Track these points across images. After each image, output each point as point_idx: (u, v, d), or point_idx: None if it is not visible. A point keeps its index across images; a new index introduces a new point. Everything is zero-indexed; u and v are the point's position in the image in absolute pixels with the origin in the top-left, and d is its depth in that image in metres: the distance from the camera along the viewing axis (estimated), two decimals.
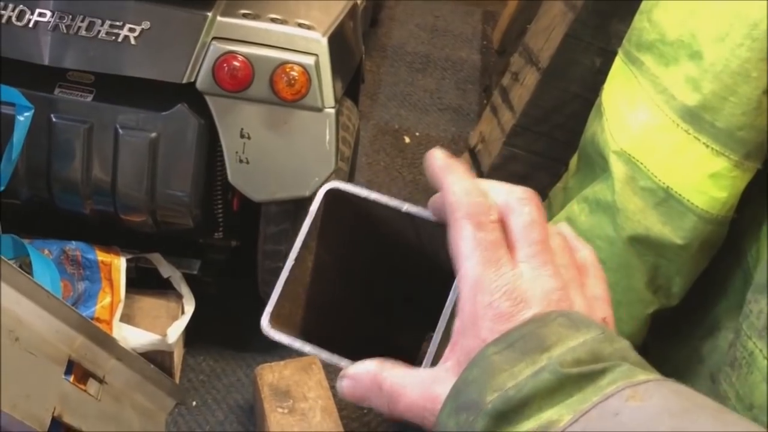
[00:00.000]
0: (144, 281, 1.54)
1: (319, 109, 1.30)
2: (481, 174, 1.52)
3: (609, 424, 0.28)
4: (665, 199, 0.96)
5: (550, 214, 1.48)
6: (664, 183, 0.96)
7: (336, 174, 1.42)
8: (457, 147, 2.53)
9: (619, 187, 1.00)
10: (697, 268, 1.03)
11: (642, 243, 1.00)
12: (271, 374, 1.45)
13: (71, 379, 1.30)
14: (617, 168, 1.01)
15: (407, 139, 2.54)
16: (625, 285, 1.04)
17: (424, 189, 2.31)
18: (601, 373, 0.30)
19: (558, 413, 0.29)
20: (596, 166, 1.15)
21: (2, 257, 1.21)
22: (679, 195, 0.95)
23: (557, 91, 1.38)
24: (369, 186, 1.79)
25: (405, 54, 3.00)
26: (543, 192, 1.51)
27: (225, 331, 1.69)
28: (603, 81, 1.18)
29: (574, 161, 1.40)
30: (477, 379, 0.31)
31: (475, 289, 0.34)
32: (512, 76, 1.48)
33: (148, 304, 1.52)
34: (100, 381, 1.36)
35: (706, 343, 1.07)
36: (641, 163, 0.98)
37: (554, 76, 1.36)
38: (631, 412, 0.28)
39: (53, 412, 1.18)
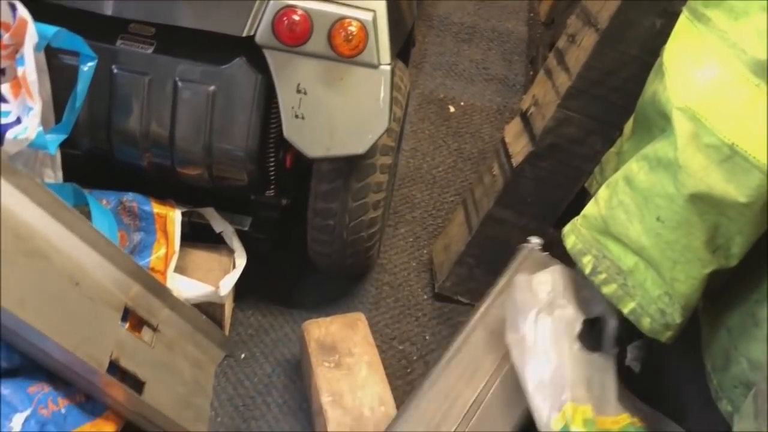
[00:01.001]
0: (196, 237, 1.57)
1: (375, 66, 1.31)
2: (533, 138, 1.51)
3: None
4: (730, 156, 0.95)
5: (602, 179, 1.47)
6: (729, 140, 0.95)
7: (388, 133, 1.43)
8: (502, 117, 2.52)
9: (681, 144, 0.99)
10: (758, 228, 1.02)
11: (704, 201, 0.99)
12: (317, 330, 1.48)
13: (127, 326, 1.33)
14: (680, 125, 1.00)
15: (452, 108, 2.53)
16: (683, 243, 1.03)
17: (469, 157, 2.31)
18: None
19: None
20: (654, 126, 1.13)
21: (64, 202, 1.24)
22: (745, 152, 0.94)
23: (615, 53, 1.36)
24: (413, 154, 1.78)
25: (451, 24, 2.98)
26: (595, 157, 1.50)
27: (273, 287, 1.72)
28: (662, 43, 1.16)
29: (628, 125, 1.39)
30: None
31: None
32: (568, 38, 1.46)
33: (201, 257, 1.55)
34: (154, 329, 1.40)
35: (762, 307, 1.06)
36: (706, 120, 0.97)
37: (612, 37, 1.35)
38: None
39: (111, 356, 1.22)
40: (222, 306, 1.53)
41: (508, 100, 2.61)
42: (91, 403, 1.19)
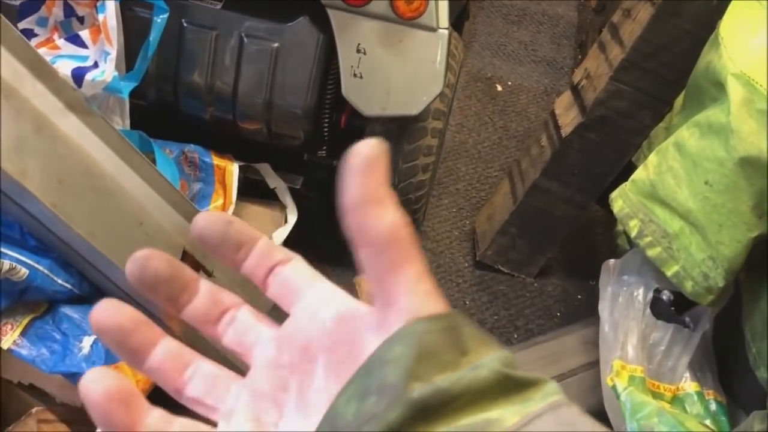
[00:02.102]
0: (250, 193, 1.63)
1: (434, 29, 1.35)
2: (584, 109, 1.54)
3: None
4: None
5: (650, 154, 1.50)
6: None
7: (441, 98, 1.47)
8: (549, 98, 2.54)
9: (735, 109, 1.02)
10: None
11: (753, 165, 1.01)
12: (368, 285, 1.53)
13: None
14: (734, 90, 1.03)
15: (499, 87, 2.56)
16: (730, 207, 1.06)
17: (514, 135, 2.34)
18: (541, 381, 0.26)
19: (499, 414, 0.24)
20: (706, 97, 1.16)
21: (132, 146, 1.30)
22: None
23: (669, 27, 1.38)
24: (459, 129, 1.82)
25: (501, 5, 3.01)
26: (644, 131, 1.53)
27: (322, 245, 1.77)
28: (717, 19, 1.19)
29: (679, 100, 1.41)
30: (399, 358, 0.25)
31: None
32: (624, 13, 1.49)
33: (255, 211, 1.61)
34: (209, 274, 1.46)
35: None
36: (760, 85, 1.00)
37: (668, 11, 1.37)
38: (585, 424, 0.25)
39: None
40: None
41: (555, 82, 2.63)
42: None
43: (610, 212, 1.29)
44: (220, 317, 0.35)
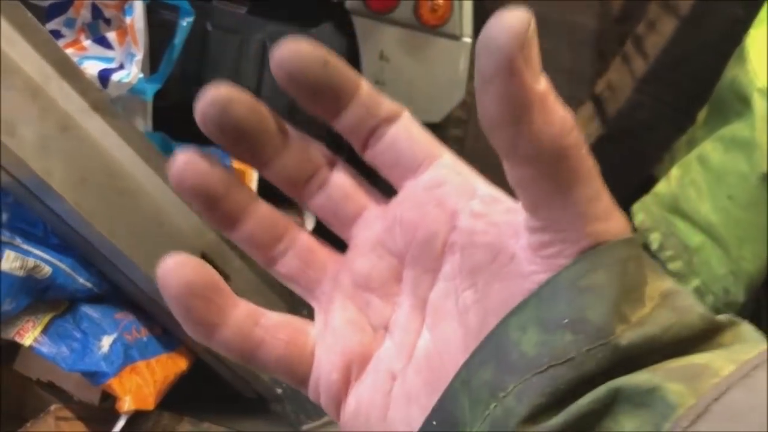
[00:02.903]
0: (268, 198, 1.63)
1: (457, 38, 1.35)
2: (605, 121, 1.54)
3: None
4: None
5: (671, 166, 1.49)
6: None
7: (462, 106, 1.47)
8: (569, 108, 2.53)
9: (760, 124, 1.02)
10: None
11: None
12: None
13: None
14: (760, 105, 1.02)
15: None
16: (753, 222, 1.05)
17: None
18: (734, 322, 0.22)
19: (710, 359, 0.20)
20: (731, 111, 1.15)
21: (155, 147, 1.32)
22: None
23: (693, 40, 1.38)
24: (478, 138, 1.82)
25: None
26: (666, 144, 1.52)
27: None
28: (742, 32, 1.18)
29: (702, 113, 1.40)
30: (602, 288, 0.21)
31: None
32: (648, 25, 1.48)
33: None
34: (227, 278, 1.47)
35: None
36: None
37: (692, 24, 1.37)
38: None
39: None
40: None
41: (574, 91, 2.62)
42: (167, 336, 1.27)
43: (630, 224, 1.29)
44: (312, 177, 0.28)
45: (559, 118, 0.22)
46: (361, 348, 0.26)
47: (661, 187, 1.20)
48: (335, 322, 0.27)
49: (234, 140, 0.26)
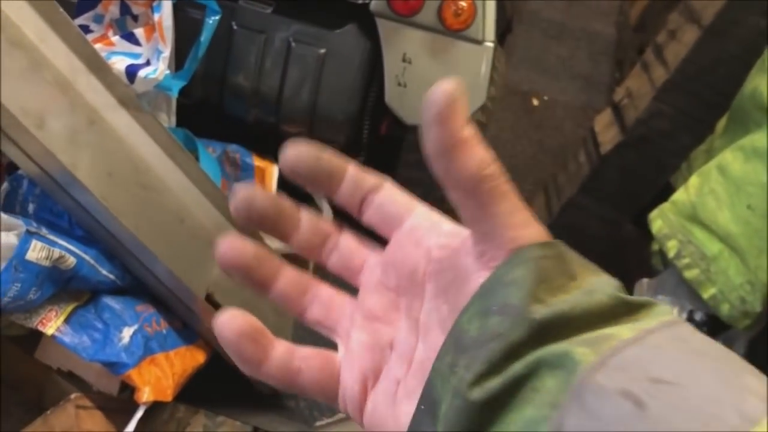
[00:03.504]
0: (287, 195, 1.65)
1: (479, 42, 1.36)
2: (624, 128, 1.55)
3: (683, 347, 0.25)
4: None
5: (689, 175, 1.50)
6: None
7: (482, 110, 1.48)
8: (585, 115, 2.54)
9: None
10: None
11: None
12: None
13: None
14: None
15: (535, 102, 2.56)
16: None
17: (548, 150, 2.34)
18: (652, 303, 0.27)
19: (617, 330, 0.25)
20: (751, 121, 1.16)
21: (179, 143, 1.33)
22: None
23: (715, 50, 1.39)
24: (493, 141, 1.82)
25: (540, 20, 3.01)
26: (683, 152, 1.53)
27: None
28: (764, 43, 1.19)
29: (721, 123, 1.41)
30: (519, 281, 0.27)
31: None
32: (669, 34, 1.49)
33: None
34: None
35: None
36: None
37: (715, 34, 1.37)
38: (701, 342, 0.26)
39: (207, 290, 1.31)
40: (307, 261, 1.61)
41: (592, 98, 2.63)
42: (186, 330, 1.28)
43: (645, 232, 1.30)
44: (324, 243, 0.36)
45: (479, 156, 0.28)
46: (373, 364, 0.33)
47: (680, 195, 1.21)
48: (353, 348, 0.34)
49: (260, 224, 0.34)
